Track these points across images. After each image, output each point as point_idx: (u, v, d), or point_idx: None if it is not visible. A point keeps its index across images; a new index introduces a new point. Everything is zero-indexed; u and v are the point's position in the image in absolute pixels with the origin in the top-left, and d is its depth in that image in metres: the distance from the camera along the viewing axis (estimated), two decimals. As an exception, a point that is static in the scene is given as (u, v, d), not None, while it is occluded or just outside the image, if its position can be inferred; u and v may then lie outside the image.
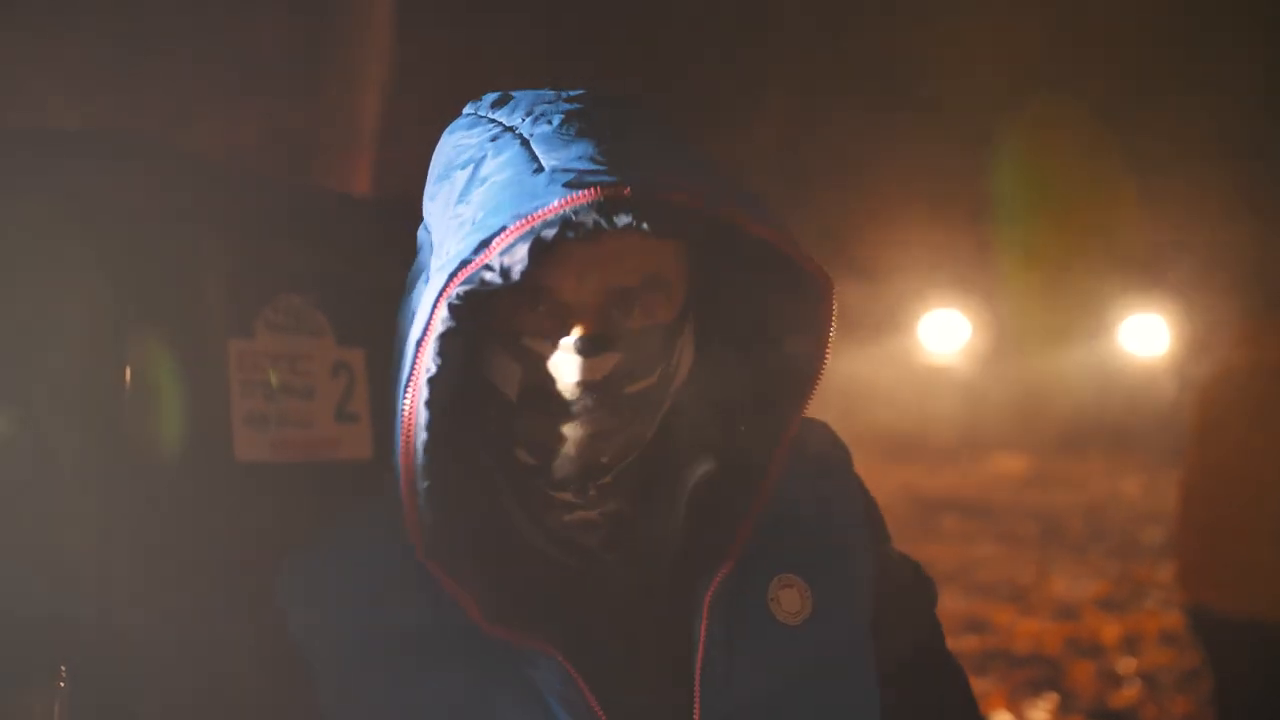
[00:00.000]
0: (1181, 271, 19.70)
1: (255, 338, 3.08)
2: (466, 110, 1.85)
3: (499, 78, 10.06)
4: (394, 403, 1.80)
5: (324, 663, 1.77)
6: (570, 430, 1.69)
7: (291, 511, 3.14)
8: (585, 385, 1.66)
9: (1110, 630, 10.04)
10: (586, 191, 1.57)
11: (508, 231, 1.60)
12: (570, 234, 1.59)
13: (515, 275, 1.61)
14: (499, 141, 1.69)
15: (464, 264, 1.65)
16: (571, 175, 1.60)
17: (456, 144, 1.77)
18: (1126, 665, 9.24)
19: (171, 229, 2.96)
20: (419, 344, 1.68)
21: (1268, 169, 16.90)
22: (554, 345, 1.68)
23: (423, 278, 1.72)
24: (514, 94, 1.79)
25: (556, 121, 1.68)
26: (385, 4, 9.47)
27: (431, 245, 1.73)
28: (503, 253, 1.61)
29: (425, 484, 1.72)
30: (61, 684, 2.54)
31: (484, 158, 1.69)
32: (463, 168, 1.72)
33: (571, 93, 1.77)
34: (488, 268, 1.62)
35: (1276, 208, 17.41)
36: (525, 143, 1.67)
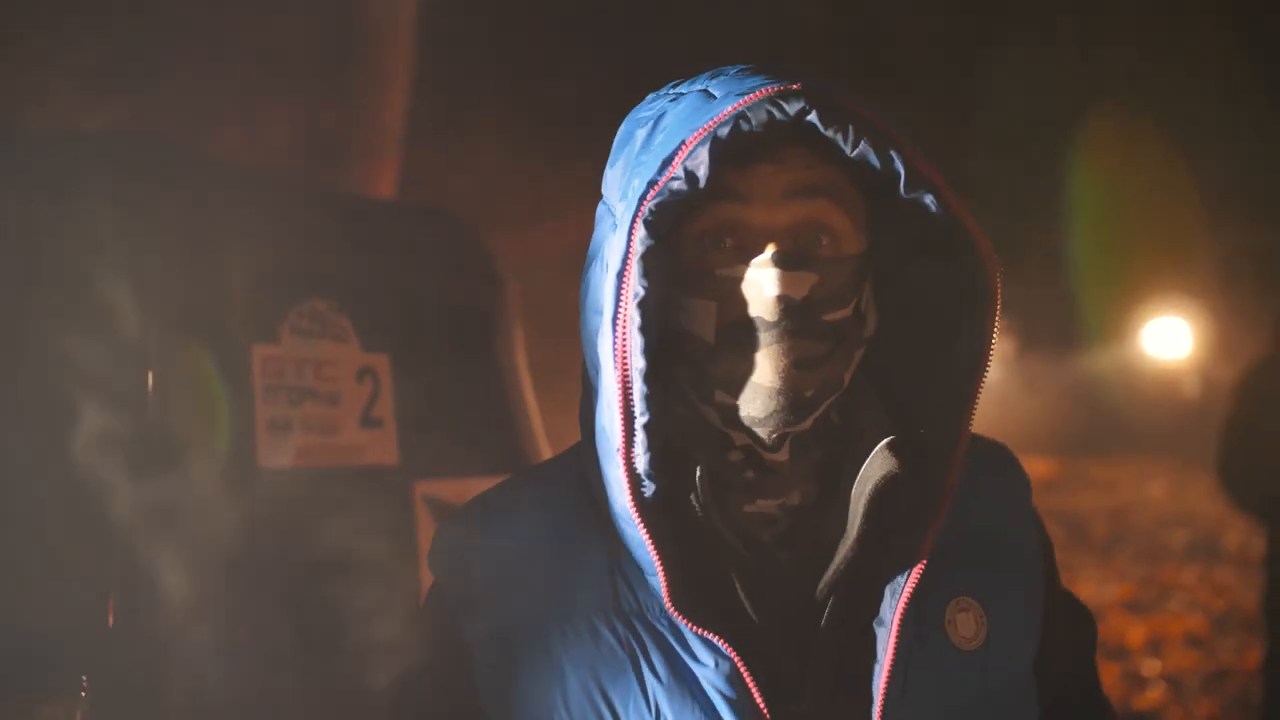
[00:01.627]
0: (1204, 274, 19.67)
1: (280, 343, 3.08)
2: (648, 98, 1.77)
3: (523, 81, 10.05)
4: (594, 350, 1.64)
5: (477, 631, 1.71)
6: (774, 356, 1.58)
7: (316, 517, 3.15)
8: (786, 302, 1.57)
9: (1135, 633, 10.00)
10: (757, 94, 1.55)
11: (686, 143, 1.56)
12: (744, 126, 1.54)
13: (701, 177, 1.55)
14: (680, 100, 1.66)
15: (651, 184, 1.59)
16: (745, 89, 1.57)
17: (636, 116, 1.73)
18: (1151, 667, 9.20)
19: (197, 234, 2.96)
20: (621, 274, 1.58)
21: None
22: (751, 265, 1.59)
23: (605, 246, 1.63)
24: (690, 78, 1.75)
25: (733, 72, 1.65)
26: (409, 7, 9.50)
27: (612, 215, 1.65)
28: (686, 160, 1.55)
29: (645, 418, 1.58)
30: (83, 694, 2.54)
31: (664, 113, 1.66)
32: (643, 125, 1.68)
33: (744, 65, 1.71)
34: (674, 178, 1.56)
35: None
36: (705, 92, 1.63)
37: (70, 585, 2.64)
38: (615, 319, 1.59)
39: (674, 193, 1.57)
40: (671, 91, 1.71)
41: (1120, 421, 21.62)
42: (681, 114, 1.63)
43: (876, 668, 1.62)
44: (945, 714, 1.66)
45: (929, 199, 1.61)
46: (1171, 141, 16.75)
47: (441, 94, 11.49)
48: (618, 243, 1.61)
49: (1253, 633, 9.27)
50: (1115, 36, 17.75)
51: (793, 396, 1.60)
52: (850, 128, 1.57)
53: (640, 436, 1.59)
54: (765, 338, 1.59)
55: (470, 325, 3.81)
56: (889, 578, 1.65)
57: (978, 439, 1.84)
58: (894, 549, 1.65)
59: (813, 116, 1.55)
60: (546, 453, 3.95)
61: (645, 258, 1.58)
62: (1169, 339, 21.59)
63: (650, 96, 1.76)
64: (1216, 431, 6.19)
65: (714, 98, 1.61)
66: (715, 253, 1.62)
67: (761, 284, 1.58)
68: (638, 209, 1.58)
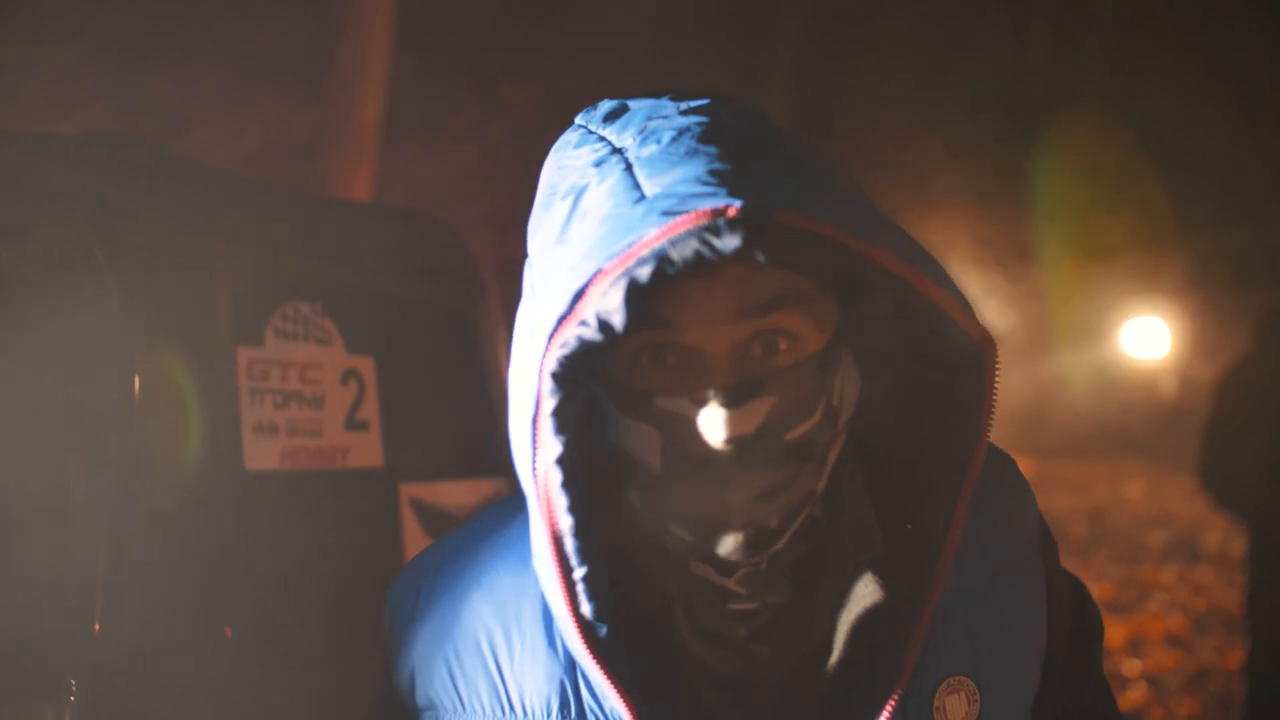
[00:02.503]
0: (1181, 274, 19.73)
1: (265, 346, 3.07)
2: (578, 120, 1.56)
3: (498, 85, 10.01)
4: (524, 485, 1.45)
5: (427, 709, 1.64)
6: (730, 492, 1.41)
7: (302, 520, 3.14)
8: (736, 442, 1.38)
9: (1115, 633, 10.00)
10: (685, 217, 1.30)
11: (600, 275, 1.32)
12: (669, 269, 1.30)
13: (618, 328, 1.33)
14: (603, 167, 1.43)
15: (560, 320, 1.35)
16: (672, 201, 1.33)
17: (561, 165, 1.51)
18: (1132, 668, 9.22)
19: (181, 237, 2.95)
20: (534, 423, 1.38)
21: (1267, 169, 16.93)
22: (693, 402, 1.40)
23: (528, 330, 1.41)
24: (630, 104, 1.53)
25: (667, 139, 1.42)
26: (385, 11, 9.47)
27: (533, 288, 1.47)
28: (600, 301, 1.33)
29: (583, 570, 1.42)
30: (71, 697, 2.53)
31: (586, 186, 1.43)
32: (564, 197, 1.46)
33: (693, 103, 1.49)
34: (583, 323, 1.34)
35: (1274, 208, 17.44)
36: (629, 167, 1.40)
37: (57, 588, 2.63)
38: (534, 471, 1.42)
39: (585, 342, 1.35)
40: (599, 137, 1.49)
41: (1097, 422, 21.68)
42: (601, 211, 1.40)
43: None
44: None
45: (904, 299, 1.44)
46: (1147, 141, 16.80)
47: (417, 96, 11.48)
48: (529, 375, 1.42)
49: (1232, 632, 9.31)
50: (1088, 36, 17.79)
51: (755, 532, 1.45)
52: (804, 257, 1.35)
53: (581, 588, 1.44)
54: (718, 474, 1.42)
55: (453, 327, 3.81)
56: (876, 678, 1.53)
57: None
58: (883, 649, 1.53)
59: (757, 255, 1.32)
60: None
61: (564, 409, 1.40)
62: (1146, 339, 21.65)
63: (578, 126, 1.56)
64: (1196, 431, 6.20)
65: (639, 191, 1.38)
66: (654, 372, 1.44)
67: (706, 428, 1.40)
68: (545, 352, 1.38)
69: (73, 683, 2.53)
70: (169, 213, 2.94)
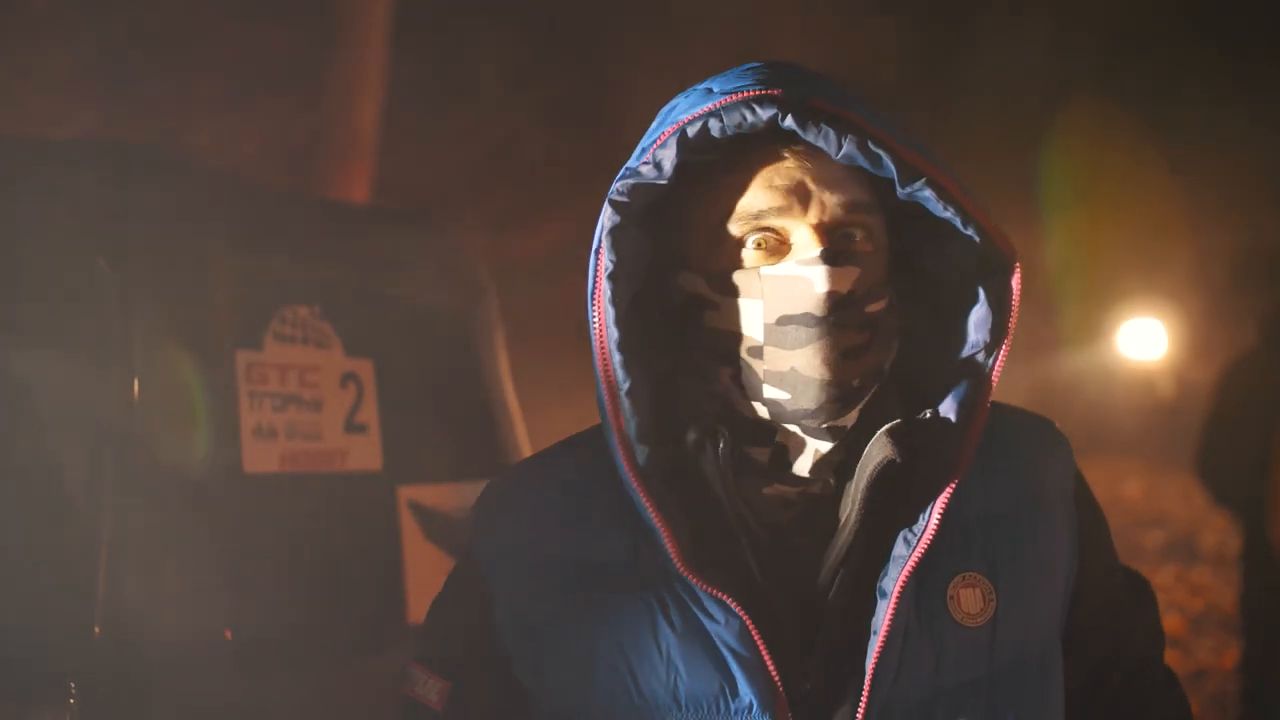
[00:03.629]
0: (1178, 275, 19.73)
1: (264, 349, 3.08)
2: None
3: (494, 90, 10.01)
4: (590, 319, 1.70)
5: (504, 582, 1.75)
6: (823, 350, 1.63)
7: (301, 523, 3.15)
8: (834, 296, 1.61)
9: (1112, 634, 9.98)
10: (735, 94, 1.60)
11: (663, 135, 1.63)
12: (714, 125, 1.60)
13: (667, 169, 1.63)
14: (690, 94, 1.72)
15: (628, 171, 1.67)
16: (728, 91, 1.62)
17: (669, 103, 1.79)
18: (1129, 669, 9.21)
19: (181, 241, 2.96)
20: (596, 248, 1.66)
21: (1264, 170, 16.91)
22: (796, 264, 1.63)
23: None
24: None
25: (743, 68, 1.70)
26: (382, 15, 9.47)
27: None
28: (658, 150, 1.64)
29: (626, 384, 1.65)
30: (71, 700, 2.54)
31: (675, 107, 1.71)
32: (659, 119, 1.74)
33: (763, 60, 1.77)
34: (645, 164, 1.64)
35: (1271, 209, 17.42)
36: (709, 88, 1.68)
37: (56, 591, 2.64)
38: (592, 294, 1.66)
39: (644, 177, 1.65)
40: (706, 83, 1.75)
41: (1095, 423, 21.69)
42: (680, 106, 1.68)
43: (872, 639, 1.64)
44: (937, 691, 1.67)
45: (927, 193, 1.64)
46: (1145, 141, 16.78)
47: (415, 100, 11.49)
48: (598, 225, 1.68)
49: (1230, 632, 9.31)
50: (1087, 32, 17.79)
51: (842, 387, 1.64)
52: (831, 131, 1.60)
53: (625, 404, 1.65)
54: (813, 332, 1.63)
55: (452, 330, 3.82)
56: (895, 550, 1.67)
57: (1020, 414, 1.90)
58: (902, 524, 1.68)
59: (789, 121, 1.59)
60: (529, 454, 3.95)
61: (618, 235, 1.66)
62: (1144, 340, 21.66)
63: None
64: (1193, 432, 6.20)
65: (711, 94, 1.65)
66: (757, 253, 1.67)
67: (811, 280, 1.62)
68: (614, 185, 1.67)
69: (72, 685, 2.54)
70: (169, 217, 2.95)
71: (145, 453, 2.74)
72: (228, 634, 2.83)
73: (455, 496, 3.57)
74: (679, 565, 1.64)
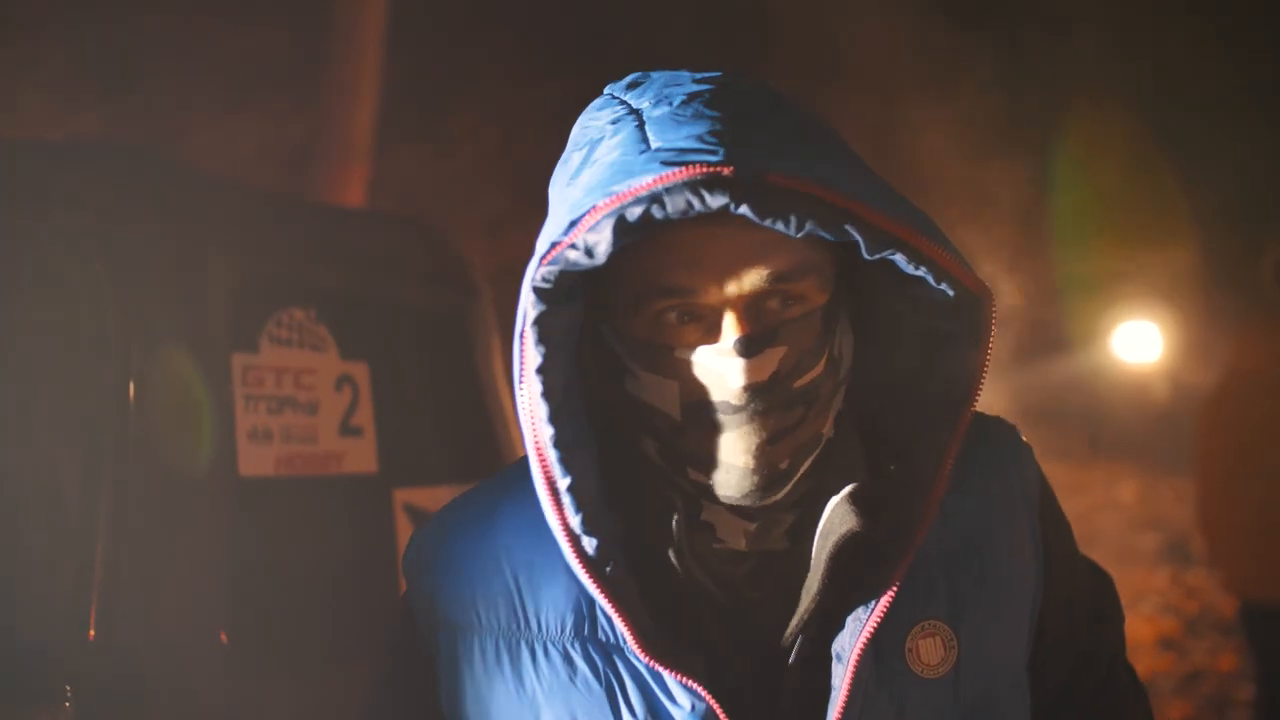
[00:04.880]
0: (1174, 278, 19.72)
1: (259, 352, 3.08)
2: (605, 90, 1.70)
3: (490, 93, 10.01)
4: (517, 405, 1.55)
5: (444, 646, 1.68)
6: (742, 439, 1.53)
7: (296, 526, 3.14)
8: (752, 389, 1.51)
9: (1108, 637, 10.00)
10: (681, 170, 1.43)
11: (595, 209, 1.46)
12: (658, 212, 1.43)
13: (599, 256, 1.47)
14: (619, 124, 1.57)
15: (553, 245, 1.50)
16: (672, 154, 1.46)
17: (584, 125, 1.65)
18: (1124, 672, 9.23)
19: (177, 244, 2.95)
20: (520, 336, 1.53)
21: (1262, 172, 16.91)
22: (711, 353, 1.53)
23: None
24: (651, 74, 1.67)
25: (678, 102, 1.55)
26: (377, 18, 9.48)
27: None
28: (589, 232, 1.47)
29: (566, 481, 1.54)
30: (67, 704, 2.53)
31: (601, 139, 1.57)
32: (581, 149, 1.60)
33: (708, 74, 1.63)
34: (573, 247, 1.48)
35: (1268, 212, 17.43)
36: (641, 125, 1.54)
37: (52, 595, 2.63)
38: (519, 381, 1.55)
39: (572, 264, 1.50)
40: (620, 101, 1.63)
41: (1089, 426, 21.69)
42: (609, 159, 1.54)
43: (830, 706, 1.58)
44: None
45: (897, 256, 1.53)
46: (1141, 143, 16.80)
47: (411, 103, 11.48)
48: (520, 304, 1.56)
49: (1225, 635, 9.32)
50: (1084, 34, 17.78)
51: (767, 473, 1.56)
52: (791, 216, 1.45)
53: (568, 500, 1.55)
54: (733, 420, 1.54)
55: (447, 333, 3.81)
56: (852, 609, 1.60)
57: (980, 424, 1.79)
58: (863, 583, 1.60)
59: (745, 210, 1.43)
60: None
61: (545, 321, 1.53)
62: (1138, 343, 21.68)
63: (604, 96, 1.69)
64: (1188, 434, 6.20)
65: (645, 147, 1.51)
66: (673, 329, 1.56)
67: (724, 374, 1.53)
68: (537, 266, 1.52)
69: (68, 689, 2.54)
70: (165, 219, 2.95)
71: (141, 456, 2.74)
72: (223, 637, 2.82)
73: (450, 499, 3.57)
74: (640, 653, 1.56)
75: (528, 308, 1.53)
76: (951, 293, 1.57)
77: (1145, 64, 16.72)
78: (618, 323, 1.60)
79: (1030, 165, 17.53)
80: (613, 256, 1.49)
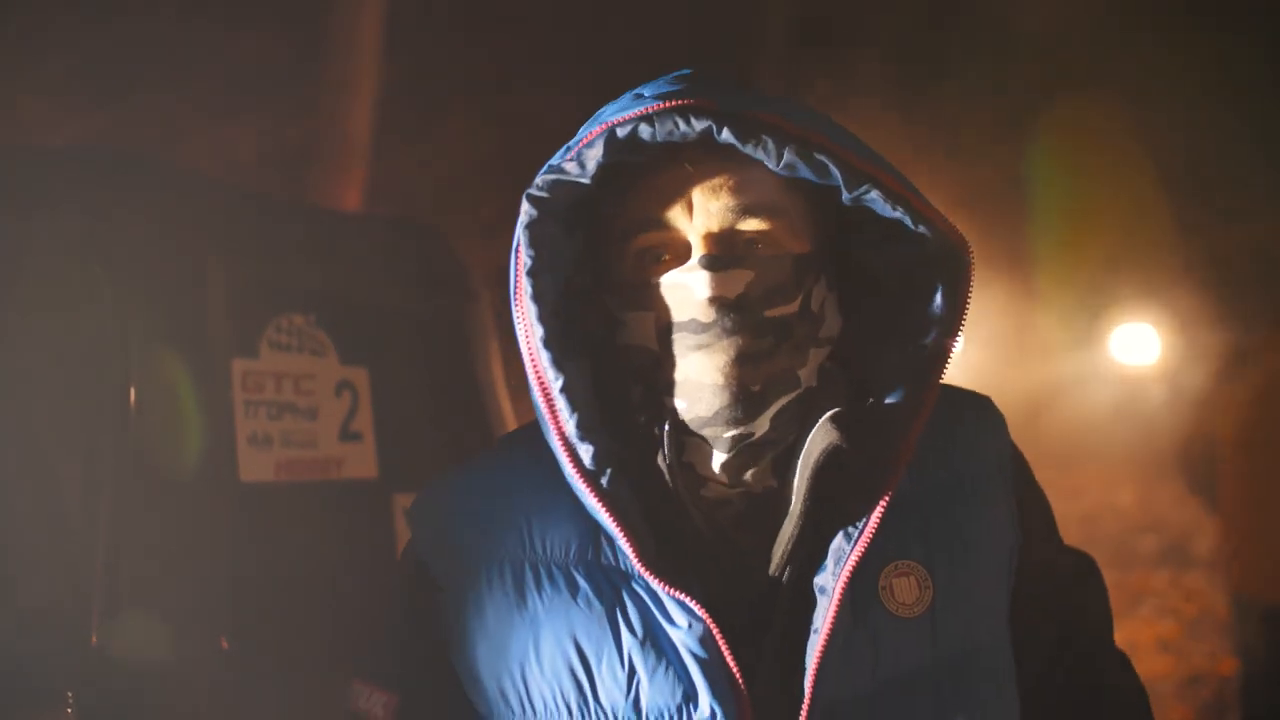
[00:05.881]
0: (1171, 280, 19.74)
1: (260, 357, 3.08)
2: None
3: (487, 96, 10.01)
4: (514, 316, 1.67)
5: (450, 579, 1.72)
6: (714, 354, 1.61)
7: (297, 531, 3.15)
8: (719, 301, 1.59)
9: (1106, 640, 9.99)
10: (666, 102, 1.58)
11: (591, 134, 1.61)
12: (644, 130, 1.57)
13: (590, 166, 1.60)
14: (622, 98, 1.70)
15: (550, 167, 1.65)
16: (660, 97, 1.60)
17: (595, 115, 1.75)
18: (1123, 674, 9.22)
19: (177, 248, 2.95)
20: (516, 249, 1.65)
21: (1260, 173, 16.91)
22: (679, 273, 1.63)
23: None
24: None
25: (673, 76, 1.69)
26: (375, 22, 9.48)
27: None
28: (585, 148, 1.61)
29: (559, 380, 1.62)
30: (69, 710, 2.53)
31: (604, 112, 1.69)
32: (586, 124, 1.70)
33: (693, 69, 1.77)
34: (568, 160, 1.62)
35: (1268, 214, 17.44)
36: (638, 94, 1.66)
37: (53, 601, 2.63)
38: (514, 292, 1.65)
39: (566, 174, 1.63)
40: (633, 92, 1.73)
41: (1088, 428, 21.70)
42: (609, 110, 1.67)
43: (813, 637, 1.62)
44: (880, 685, 1.64)
45: (874, 194, 1.62)
46: (1138, 146, 16.79)
47: (408, 106, 11.48)
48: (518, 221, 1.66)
49: (1224, 638, 9.32)
50: (1074, 31, 17.78)
51: (738, 392, 1.61)
52: (770, 140, 1.58)
53: (561, 401, 1.63)
54: (704, 338, 1.61)
55: (446, 337, 3.82)
56: (836, 545, 1.64)
57: (956, 392, 1.86)
58: (845, 516, 1.65)
59: (726, 134, 1.57)
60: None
61: (540, 235, 1.65)
62: (1136, 345, 21.70)
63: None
64: (1186, 437, 6.20)
65: (641, 98, 1.64)
66: (651, 266, 1.66)
67: (692, 287, 1.61)
68: (536, 181, 1.65)
69: (69, 695, 2.54)
70: (165, 224, 2.95)
71: (141, 461, 2.74)
72: (224, 643, 2.83)
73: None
74: (639, 566, 1.61)
75: (521, 216, 1.65)
76: (929, 235, 1.65)
77: (1141, 63, 16.69)
78: (609, 278, 1.71)
79: (1024, 165, 17.53)
80: (605, 214, 1.68)
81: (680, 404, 1.64)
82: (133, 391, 2.73)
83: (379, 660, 1.82)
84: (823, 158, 1.59)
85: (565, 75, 12.79)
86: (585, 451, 1.63)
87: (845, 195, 1.61)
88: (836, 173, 1.60)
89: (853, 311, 1.77)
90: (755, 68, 14.68)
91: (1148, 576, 12.61)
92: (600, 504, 1.62)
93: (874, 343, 1.76)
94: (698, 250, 1.63)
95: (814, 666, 1.60)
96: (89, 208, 2.84)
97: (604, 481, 1.63)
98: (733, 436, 1.64)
